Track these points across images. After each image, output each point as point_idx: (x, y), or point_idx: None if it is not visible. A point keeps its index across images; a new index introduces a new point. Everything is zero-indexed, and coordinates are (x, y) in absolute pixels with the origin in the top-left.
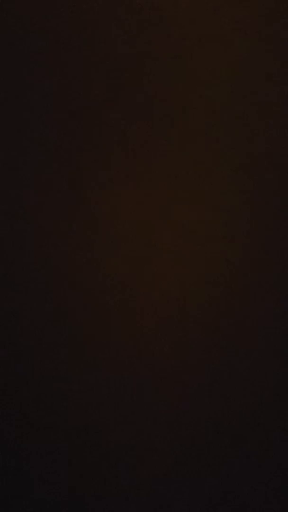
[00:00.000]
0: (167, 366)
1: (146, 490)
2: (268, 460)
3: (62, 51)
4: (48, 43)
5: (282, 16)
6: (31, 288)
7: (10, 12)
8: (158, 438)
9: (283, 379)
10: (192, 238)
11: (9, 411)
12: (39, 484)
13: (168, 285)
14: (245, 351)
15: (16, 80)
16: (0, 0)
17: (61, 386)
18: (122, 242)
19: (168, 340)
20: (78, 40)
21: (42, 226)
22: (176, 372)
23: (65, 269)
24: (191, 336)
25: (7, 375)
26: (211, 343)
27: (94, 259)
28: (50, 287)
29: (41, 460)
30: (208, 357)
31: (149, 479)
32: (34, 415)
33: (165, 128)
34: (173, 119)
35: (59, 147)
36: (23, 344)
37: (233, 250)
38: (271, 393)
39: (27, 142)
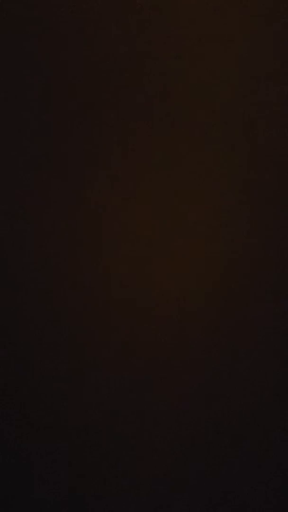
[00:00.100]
0: (167, 366)
1: (146, 490)
2: (268, 460)
3: (62, 51)
4: (48, 43)
5: (282, 16)
6: (30, 288)
7: (9, 12)
8: (158, 438)
9: (284, 379)
10: (192, 238)
11: (8, 411)
12: (39, 484)
13: (168, 285)
14: (245, 351)
15: (15, 80)
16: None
17: (61, 385)
18: (122, 242)
19: (168, 340)
20: (78, 40)
21: (41, 226)
22: (176, 372)
23: (64, 269)
24: (191, 336)
25: (7, 374)
26: (211, 343)
27: (94, 258)
28: (49, 287)
29: (41, 460)
30: (208, 357)
31: (149, 479)
32: (34, 415)
33: (165, 128)
34: (173, 119)
35: (59, 147)
36: (23, 344)
37: (233, 250)
38: (271, 393)
39: (26, 142)
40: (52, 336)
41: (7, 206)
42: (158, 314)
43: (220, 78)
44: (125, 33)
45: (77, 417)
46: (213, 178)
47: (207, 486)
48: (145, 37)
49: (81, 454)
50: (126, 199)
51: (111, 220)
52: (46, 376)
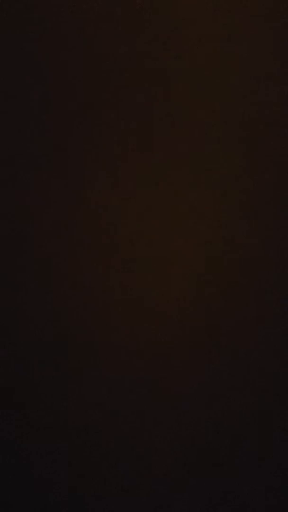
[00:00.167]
0: (167, 365)
1: (146, 490)
2: (268, 460)
3: (62, 51)
4: (48, 43)
5: (282, 16)
6: (30, 289)
7: (9, 12)
8: (158, 438)
9: (284, 379)
10: (192, 238)
11: (8, 411)
12: (39, 484)
13: (168, 285)
14: (245, 351)
15: (15, 80)
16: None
17: (61, 385)
18: (123, 242)
19: (169, 340)
20: (78, 40)
21: (41, 226)
22: (176, 371)
23: (64, 269)
24: (191, 336)
25: (7, 373)
26: (212, 343)
27: (94, 258)
28: (49, 287)
29: (41, 460)
30: (208, 357)
31: (149, 479)
32: (34, 415)
33: (165, 128)
34: (174, 119)
35: (59, 147)
36: (23, 344)
37: (233, 250)
38: (271, 393)
39: (26, 142)
40: (52, 336)
41: (7, 206)
42: (158, 314)
43: (220, 78)
44: (125, 33)
45: (77, 417)
46: (213, 178)
47: (207, 486)
48: (145, 37)
49: (81, 454)
50: (126, 199)
51: (111, 220)
52: (46, 376)
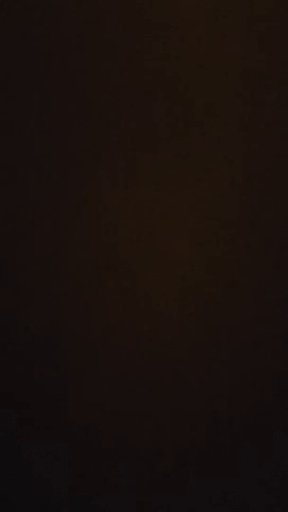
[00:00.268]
0: (167, 365)
1: (146, 490)
2: (268, 460)
3: (62, 51)
4: (48, 44)
5: (282, 16)
6: (30, 289)
7: (9, 12)
8: (158, 438)
9: (284, 379)
10: (192, 239)
11: (8, 410)
12: (39, 484)
13: (168, 285)
14: (245, 350)
15: (16, 81)
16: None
17: (61, 385)
18: (123, 242)
19: (169, 340)
20: (78, 40)
21: (42, 226)
22: (176, 371)
23: (64, 270)
24: (191, 336)
25: (6, 372)
26: (211, 343)
27: (94, 259)
28: (50, 287)
29: (41, 460)
30: (208, 357)
31: (149, 479)
32: (34, 414)
33: (165, 128)
34: (174, 119)
35: (60, 147)
36: (23, 344)
37: (233, 250)
38: (272, 394)
39: (27, 143)
40: (52, 337)
41: (8, 206)
42: (158, 314)
43: (221, 78)
44: (125, 34)
45: (77, 416)
46: (213, 179)
47: (207, 486)
48: (146, 37)
49: (81, 454)
50: (127, 199)
51: (111, 220)
52: (46, 376)
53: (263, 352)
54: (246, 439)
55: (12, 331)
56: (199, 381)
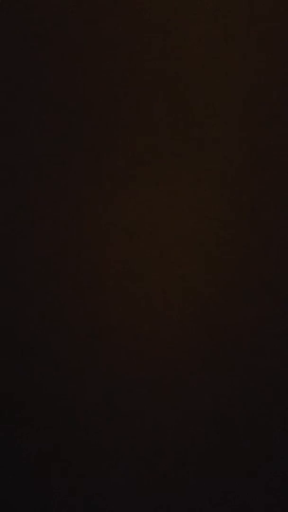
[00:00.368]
0: (167, 366)
1: (146, 490)
2: (268, 460)
3: (62, 51)
4: (48, 44)
5: (282, 16)
6: (31, 290)
7: (9, 12)
8: (158, 438)
9: (284, 379)
10: (192, 238)
11: (8, 412)
12: (39, 484)
13: (168, 285)
14: (245, 351)
15: (16, 82)
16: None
17: (61, 385)
18: (123, 243)
19: (169, 340)
20: (78, 40)
21: (42, 226)
22: (176, 372)
23: (65, 270)
24: (191, 336)
25: (6, 372)
26: (211, 343)
27: (94, 258)
28: (50, 288)
29: (41, 460)
30: (208, 358)
31: (149, 479)
32: (33, 414)
33: (165, 129)
34: (174, 119)
35: (60, 147)
36: (23, 343)
37: (233, 250)
38: (272, 394)
39: (27, 143)
40: (52, 337)
41: (7, 206)
42: (158, 315)
43: (221, 78)
44: (125, 34)
45: (77, 416)
46: (213, 178)
47: (207, 486)
48: (145, 37)
49: (81, 454)
50: (127, 200)
51: (111, 221)
52: (46, 376)
53: (263, 352)
54: (246, 439)
55: (12, 331)
56: (199, 381)
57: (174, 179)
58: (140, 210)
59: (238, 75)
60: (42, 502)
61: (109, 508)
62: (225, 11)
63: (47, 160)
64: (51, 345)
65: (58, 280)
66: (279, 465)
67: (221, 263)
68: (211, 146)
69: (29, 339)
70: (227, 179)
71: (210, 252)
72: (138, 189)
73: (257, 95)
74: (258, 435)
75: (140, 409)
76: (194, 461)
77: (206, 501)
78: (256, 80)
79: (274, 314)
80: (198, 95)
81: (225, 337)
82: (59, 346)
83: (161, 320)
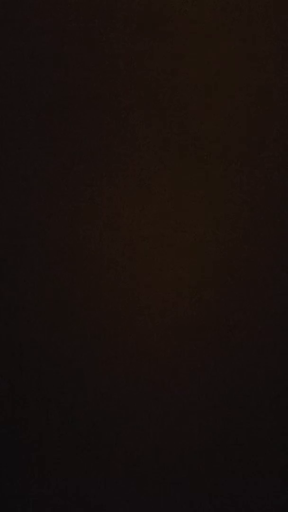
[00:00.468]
0: (167, 366)
1: (146, 490)
2: (268, 459)
3: (63, 50)
4: (49, 43)
5: (282, 16)
6: (31, 290)
7: (10, 12)
8: (158, 438)
9: (284, 379)
10: (192, 240)
11: (8, 413)
12: (39, 485)
13: (168, 287)
14: (245, 352)
15: (16, 82)
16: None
17: (61, 386)
18: (123, 244)
19: (169, 340)
20: (78, 40)
21: (43, 225)
22: (176, 372)
23: (65, 269)
24: (191, 338)
25: (6, 373)
26: (211, 344)
27: (94, 259)
28: (50, 288)
29: (40, 460)
30: (208, 358)
31: (149, 479)
32: (33, 414)
33: (165, 130)
34: (173, 119)
35: (60, 147)
36: (23, 343)
37: (233, 251)
38: (271, 394)
39: (28, 143)
40: (52, 337)
41: (8, 207)
42: (158, 315)
43: (221, 78)
44: (125, 35)
45: (76, 417)
46: (213, 180)
47: (207, 486)
48: (145, 37)
49: (81, 454)
50: (126, 201)
51: (111, 222)
52: (46, 376)
53: (263, 354)
54: (246, 439)
55: (12, 332)
56: (199, 381)
57: (174, 179)
58: (140, 212)
59: (239, 76)
60: (42, 502)
61: (109, 508)
62: (225, 13)
63: (48, 160)
64: (52, 345)
65: (58, 280)
66: (279, 465)
67: (220, 265)
68: (211, 146)
69: (28, 339)
70: (227, 181)
71: (213, 256)
72: (137, 190)
73: (258, 96)
74: (259, 434)
75: (140, 409)
76: (194, 461)
77: (206, 501)
78: (257, 81)
79: (274, 314)
80: (199, 96)
81: (224, 338)
82: (59, 347)
83: (161, 320)
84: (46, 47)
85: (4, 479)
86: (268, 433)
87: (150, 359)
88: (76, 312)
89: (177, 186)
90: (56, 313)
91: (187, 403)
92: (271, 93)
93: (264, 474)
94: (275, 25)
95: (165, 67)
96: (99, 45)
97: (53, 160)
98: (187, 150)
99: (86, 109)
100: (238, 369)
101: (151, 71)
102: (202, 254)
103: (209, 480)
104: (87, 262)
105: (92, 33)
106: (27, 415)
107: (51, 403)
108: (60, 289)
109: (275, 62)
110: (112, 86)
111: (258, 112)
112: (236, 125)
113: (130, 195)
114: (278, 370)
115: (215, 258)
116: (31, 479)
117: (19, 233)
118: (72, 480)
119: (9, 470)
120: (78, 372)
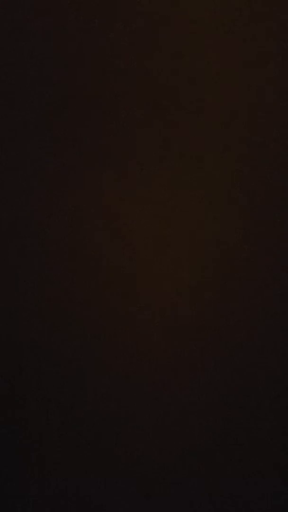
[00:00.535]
0: (167, 367)
1: (146, 490)
2: (269, 459)
3: (63, 50)
4: (49, 43)
5: (282, 16)
6: (31, 291)
7: (10, 12)
8: (158, 438)
9: (284, 379)
10: (192, 239)
11: (8, 415)
12: (39, 484)
13: (168, 287)
14: (245, 352)
15: (16, 82)
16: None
17: (61, 386)
18: (123, 241)
19: (169, 341)
20: (79, 40)
21: (43, 225)
22: (176, 373)
23: (65, 270)
24: (190, 338)
25: (6, 374)
26: (211, 344)
27: (94, 259)
28: (50, 289)
29: (40, 460)
30: (207, 359)
31: (149, 479)
32: (33, 415)
33: (166, 130)
34: (173, 120)
35: (60, 147)
36: (23, 343)
37: (232, 252)
38: (271, 395)
39: (28, 143)
40: (52, 337)
41: (8, 207)
42: (159, 315)
43: (221, 79)
44: (126, 35)
45: (76, 417)
46: (213, 180)
47: (207, 486)
48: (145, 38)
49: (81, 454)
50: (127, 200)
51: (111, 223)
52: (46, 376)
53: (263, 354)
54: (246, 439)
55: (12, 332)
56: (199, 382)
57: (174, 179)
58: (140, 212)
59: (239, 77)
60: (42, 502)
61: (109, 508)
62: (226, 13)
63: (48, 162)
64: (52, 346)
65: (58, 280)
66: (279, 465)
67: (220, 266)
68: (212, 146)
69: (29, 339)
70: (231, 180)
71: (213, 255)
72: (137, 190)
73: (259, 96)
74: (259, 435)
75: (140, 410)
76: (194, 461)
77: (206, 501)
78: (257, 81)
79: (274, 315)
80: (198, 96)
81: (224, 339)
82: (59, 348)
83: (161, 320)
84: (46, 47)
85: (4, 479)
86: (268, 433)
87: (150, 359)
88: (76, 312)
89: (177, 186)
90: (56, 313)
91: (187, 403)
92: (271, 93)
93: (264, 474)
94: (275, 25)
95: (165, 67)
96: (99, 45)
97: (53, 160)
98: (187, 150)
99: (86, 109)
100: (238, 369)
101: (151, 71)
102: (202, 254)
103: (209, 480)
104: (87, 262)
105: (92, 33)
106: (27, 415)
107: (51, 403)
108: (60, 289)
109: (275, 62)
110: (112, 86)
111: (258, 112)
112: (236, 125)
113: (130, 195)
114: (278, 370)
115: (215, 258)
116: (31, 479)
117: (19, 233)
118: (72, 480)
119: (9, 470)
120: (78, 372)
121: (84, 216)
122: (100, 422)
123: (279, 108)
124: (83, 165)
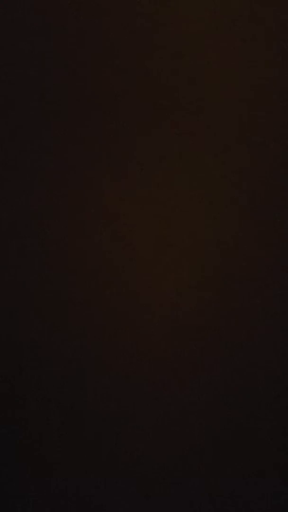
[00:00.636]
0: (167, 367)
1: (146, 490)
2: (268, 459)
3: (63, 51)
4: (49, 43)
5: (282, 16)
6: (31, 292)
7: (10, 12)
8: (158, 438)
9: (283, 380)
10: (192, 239)
11: (8, 416)
12: (39, 484)
13: (168, 288)
14: (245, 353)
15: (16, 82)
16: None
17: (61, 386)
18: (122, 242)
19: (169, 341)
20: (79, 40)
21: (43, 225)
22: (176, 373)
23: (65, 269)
24: (190, 339)
25: (6, 375)
26: (210, 343)
27: (94, 259)
28: (50, 289)
29: (40, 460)
30: (207, 359)
31: (149, 479)
32: (33, 416)
33: (166, 131)
34: (173, 119)
35: (60, 147)
36: (23, 343)
37: (232, 252)
38: (271, 395)
39: (28, 143)
40: (52, 337)
41: (8, 207)
42: (158, 315)
43: (221, 79)
44: (126, 36)
45: (76, 417)
46: (213, 179)
47: (207, 486)
48: (145, 39)
49: (81, 454)
50: (127, 200)
51: (111, 224)
52: (46, 377)
53: (262, 355)
54: (246, 439)
55: (12, 332)
56: (199, 382)
57: (174, 179)
58: (140, 213)
59: (239, 78)
60: (42, 502)
61: (109, 508)
62: (226, 11)
63: (48, 162)
64: (52, 346)
65: (58, 280)
66: (279, 465)
67: (220, 267)
68: (212, 146)
69: (29, 339)
70: (227, 180)
71: (209, 254)
72: (137, 190)
73: (258, 96)
74: (259, 435)
75: (140, 410)
76: (194, 461)
77: (206, 501)
78: (257, 81)
79: (273, 316)
80: (199, 96)
81: (224, 340)
82: (59, 348)
83: (161, 321)
84: (46, 47)
85: (4, 479)
86: (268, 433)
87: (150, 359)
88: (76, 312)
89: (177, 186)
90: (56, 313)
91: (187, 403)
92: (271, 93)
93: (264, 474)
94: (275, 25)
95: (165, 67)
96: (99, 45)
97: (53, 160)
98: (187, 150)
99: (86, 109)
100: (238, 369)
101: (151, 71)
102: (202, 254)
103: (209, 480)
104: (87, 262)
105: (92, 33)
106: (27, 415)
107: (51, 403)
108: (60, 289)
109: (275, 62)
110: (112, 86)
111: (258, 112)
112: (236, 125)
113: (130, 195)
114: (278, 370)
115: (215, 258)
116: (31, 479)
117: (19, 233)
118: (72, 480)
119: (9, 470)
120: (78, 372)
121: (84, 216)
122: (100, 422)
123: (279, 108)
124: (83, 165)
